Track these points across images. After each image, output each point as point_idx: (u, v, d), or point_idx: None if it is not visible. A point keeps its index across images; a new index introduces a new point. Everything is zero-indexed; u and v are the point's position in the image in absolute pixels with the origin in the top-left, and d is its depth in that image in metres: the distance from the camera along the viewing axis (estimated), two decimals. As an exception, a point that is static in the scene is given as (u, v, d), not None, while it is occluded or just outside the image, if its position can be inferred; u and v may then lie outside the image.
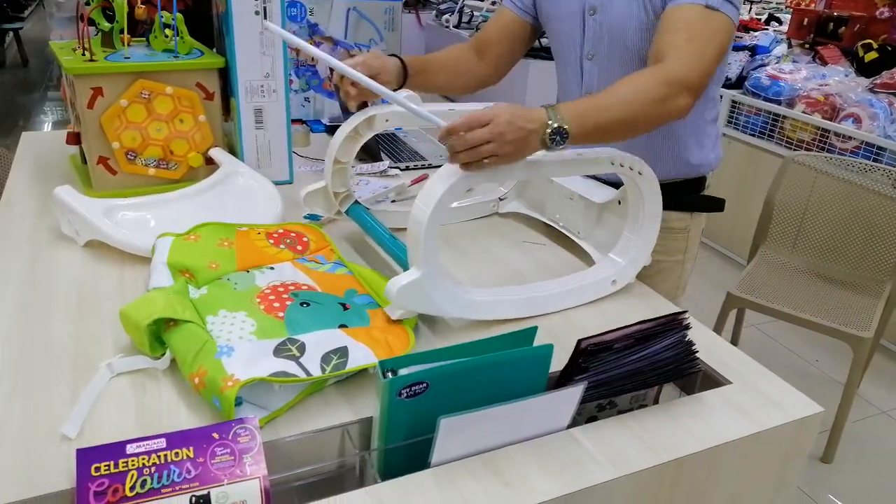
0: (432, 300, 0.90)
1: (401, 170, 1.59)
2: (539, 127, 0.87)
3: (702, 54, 1.00)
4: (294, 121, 1.64)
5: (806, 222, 2.07)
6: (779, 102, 2.80)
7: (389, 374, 0.70)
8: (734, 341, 2.25)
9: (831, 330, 1.78)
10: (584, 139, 0.92)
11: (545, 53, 4.80)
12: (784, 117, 2.78)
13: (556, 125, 0.88)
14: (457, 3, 5.52)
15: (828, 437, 1.89)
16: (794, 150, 2.73)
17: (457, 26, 5.53)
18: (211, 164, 1.34)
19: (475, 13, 5.42)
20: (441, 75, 1.27)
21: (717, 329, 1.94)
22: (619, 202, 1.11)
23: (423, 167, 1.63)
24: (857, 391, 1.89)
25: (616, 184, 1.13)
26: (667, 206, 1.06)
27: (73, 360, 0.84)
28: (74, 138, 1.36)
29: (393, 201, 1.42)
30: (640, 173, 0.99)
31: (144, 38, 1.37)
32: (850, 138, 2.53)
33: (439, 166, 1.68)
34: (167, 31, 1.32)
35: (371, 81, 0.93)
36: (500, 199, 1.35)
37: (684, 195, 1.26)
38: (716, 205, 1.30)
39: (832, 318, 1.80)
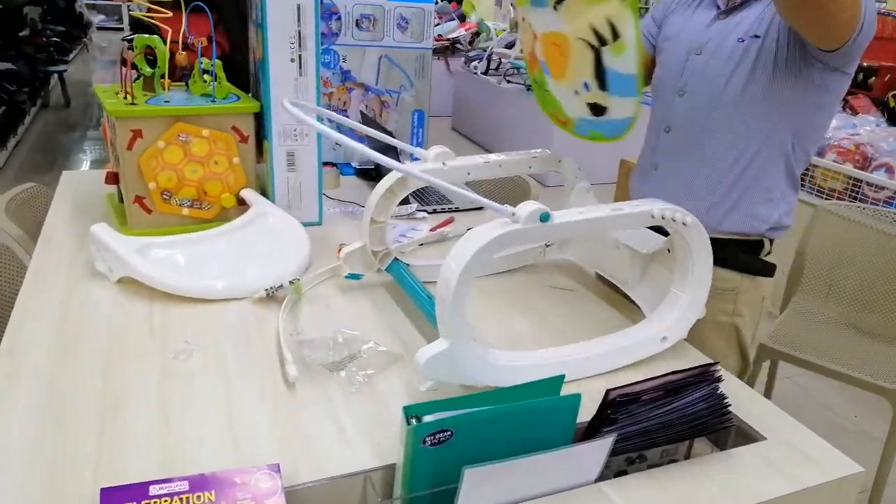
0: (462, 370, 0.86)
1: (428, 213, 1.60)
2: None
3: None
4: (325, 163, 1.67)
5: (839, 273, 2.03)
6: (809, 151, 2.78)
7: (413, 421, 0.70)
8: (767, 394, 2.19)
9: (869, 384, 1.72)
10: None
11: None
12: (815, 166, 2.75)
13: None
14: (485, 52, 5.63)
15: (868, 499, 1.81)
16: (826, 199, 2.69)
17: (485, 73, 5.63)
18: (243, 204, 1.37)
19: (503, 60, 5.51)
20: None
21: (751, 381, 1.89)
22: (669, 251, 1.05)
23: (449, 210, 1.64)
24: (897, 449, 1.81)
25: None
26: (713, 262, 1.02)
27: (100, 397, 0.85)
28: (113, 178, 1.40)
29: (421, 245, 1.42)
30: (684, 224, 0.94)
31: (184, 83, 1.42)
32: (882, 188, 2.49)
33: (466, 210, 1.70)
34: (206, 76, 1.36)
35: (390, 160, 0.86)
36: (547, 246, 1.32)
37: (734, 253, 1.21)
38: (765, 269, 1.24)
39: (869, 372, 1.74)
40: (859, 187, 2.59)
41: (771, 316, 2.72)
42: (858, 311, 2.00)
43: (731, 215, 1.21)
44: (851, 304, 2.01)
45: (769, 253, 1.26)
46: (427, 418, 0.70)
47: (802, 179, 2.81)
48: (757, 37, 1.11)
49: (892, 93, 2.94)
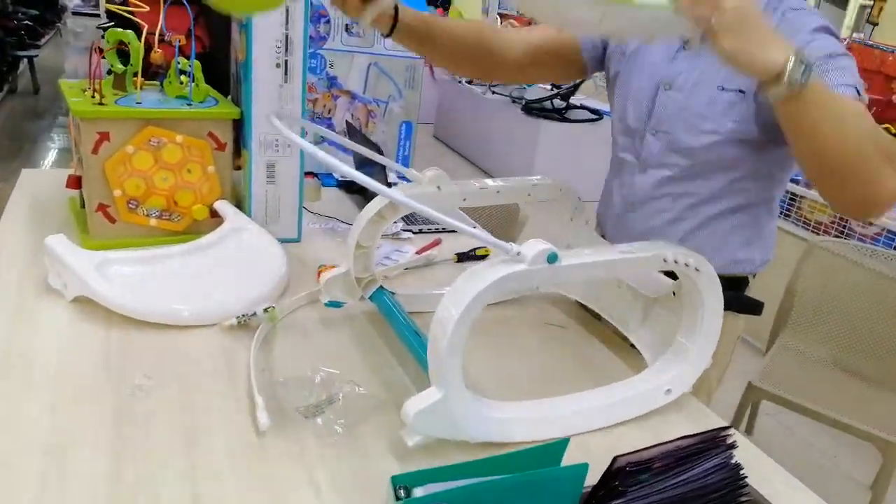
0: (456, 424, 0.79)
1: (413, 233, 1.52)
2: (775, 38, 0.77)
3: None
4: (306, 174, 1.58)
5: (827, 310, 1.99)
6: (797, 182, 2.76)
7: (402, 492, 0.61)
8: (748, 430, 2.14)
9: (860, 432, 1.67)
10: (810, 107, 0.80)
11: (557, 115, 4.81)
12: (802, 197, 2.73)
13: (803, 63, 0.76)
14: (472, 60, 5.57)
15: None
16: (813, 231, 2.67)
17: (469, 82, 5.57)
18: (216, 216, 1.27)
19: (490, 70, 5.45)
20: (449, 44, 1.15)
21: (737, 420, 1.84)
22: (674, 293, 0.98)
23: (435, 230, 1.56)
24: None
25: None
26: None
27: (46, 439, 0.75)
28: (75, 182, 1.29)
29: (406, 269, 1.34)
30: (697, 270, 0.88)
31: (158, 82, 1.32)
32: (870, 224, 2.48)
33: (454, 231, 1.61)
34: (183, 76, 1.26)
35: (375, 184, 0.76)
36: None
37: None
38: (752, 307, 1.19)
39: (859, 418, 1.70)
40: (846, 221, 2.57)
41: (757, 352, 2.69)
42: (848, 353, 1.96)
43: (714, 258, 1.11)
44: (841, 345, 1.97)
45: (749, 288, 1.23)
46: (417, 491, 0.61)
47: (788, 211, 2.79)
48: (742, 91, 1.03)
49: (883, 126, 2.94)
